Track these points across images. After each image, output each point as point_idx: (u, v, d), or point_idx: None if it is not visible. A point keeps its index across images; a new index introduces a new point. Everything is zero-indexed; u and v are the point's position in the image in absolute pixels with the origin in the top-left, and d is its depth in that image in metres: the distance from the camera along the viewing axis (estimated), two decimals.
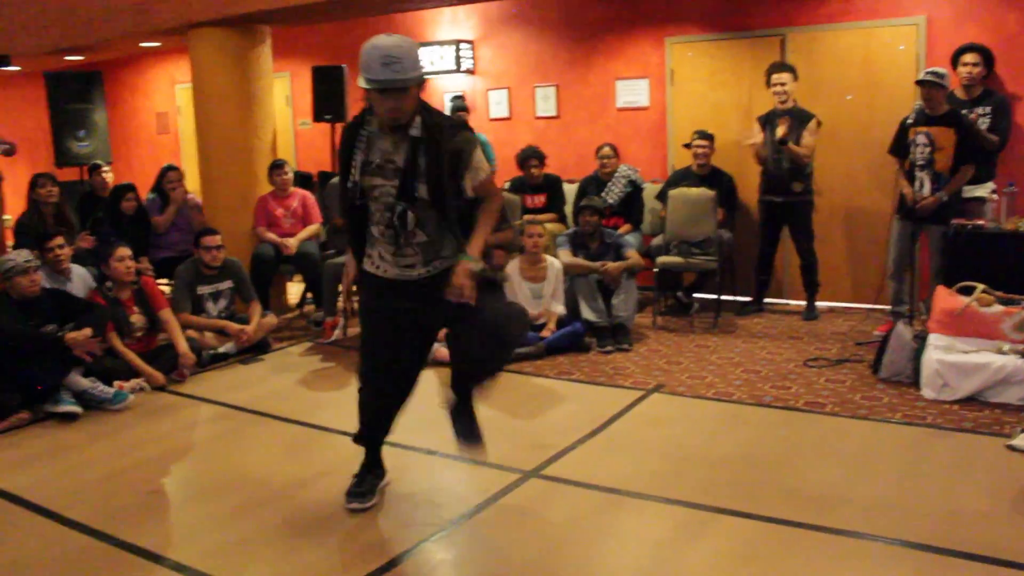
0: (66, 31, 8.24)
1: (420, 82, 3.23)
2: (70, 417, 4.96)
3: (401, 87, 3.15)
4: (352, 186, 3.37)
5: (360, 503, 3.71)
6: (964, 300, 5.08)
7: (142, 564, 3.31)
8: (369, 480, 3.81)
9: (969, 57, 6.07)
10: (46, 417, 4.99)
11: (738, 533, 3.40)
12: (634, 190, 7.26)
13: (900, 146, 5.99)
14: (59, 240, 5.72)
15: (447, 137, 3.28)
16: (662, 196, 7.08)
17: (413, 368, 3.67)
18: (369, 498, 3.74)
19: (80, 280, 5.84)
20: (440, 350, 5.78)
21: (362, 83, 3.18)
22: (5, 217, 8.25)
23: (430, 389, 5.40)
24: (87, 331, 5.11)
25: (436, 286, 3.34)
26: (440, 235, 3.40)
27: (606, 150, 7.28)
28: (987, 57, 6.11)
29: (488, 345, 3.43)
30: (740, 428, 4.58)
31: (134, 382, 5.42)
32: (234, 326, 6.15)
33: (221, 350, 6.14)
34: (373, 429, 3.80)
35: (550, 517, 3.58)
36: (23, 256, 5.19)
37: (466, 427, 3.65)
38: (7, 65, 8.84)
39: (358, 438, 3.83)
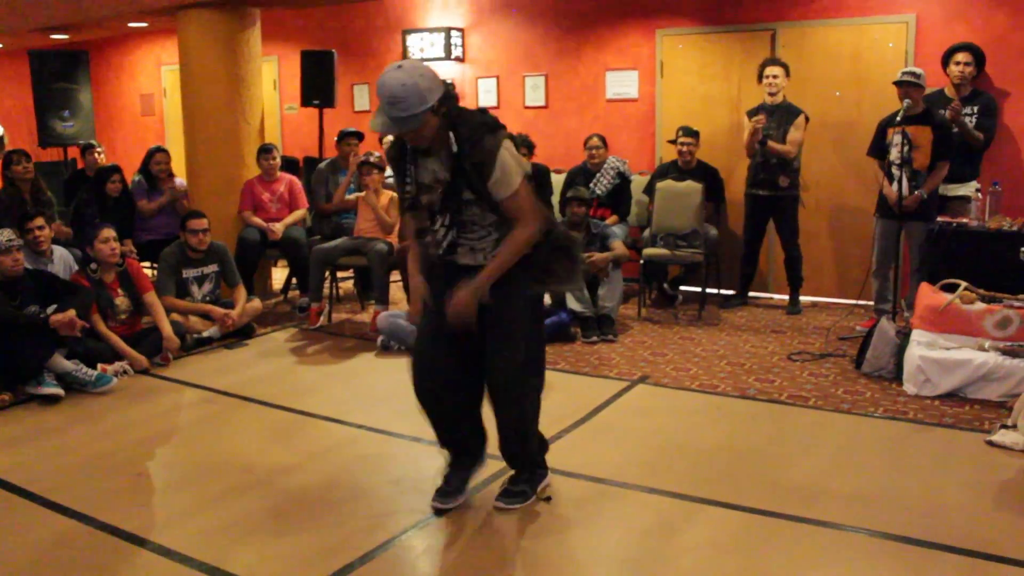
0: (53, 9, 8.17)
1: (430, 110, 3.11)
2: (52, 399, 4.93)
3: (411, 124, 3.11)
4: (411, 201, 3.34)
5: (442, 502, 3.56)
6: (947, 297, 5.12)
7: (126, 547, 3.30)
8: (456, 478, 3.63)
9: (961, 56, 6.11)
10: (28, 399, 4.96)
11: (722, 524, 3.42)
12: (622, 182, 7.27)
13: (878, 147, 6.05)
14: (39, 221, 5.68)
15: (475, 151, 3.17)
16: (649, 190, 7.10)
17: (461, 367, 3.45)
18: (454, 498, 3.58)
19: (61, 262, 5.81)
20: None
21: (375, 124, 3.18)
22: None
23: None
24: (71, 312, 5.07)
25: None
26: (498, 229, 3.30)
27: (595, 140, 7.28)
28: (978, 57, 6.15)
29: (498, 400, 3.43)
30: (724, 420, 4.61)
31: (117, 365, 5.40)
32: (219, 310, 6.12)
33: (205, 334, 6.11)
34: (439, 430, 3.62)
35: (535, 506, 3.59)
36: (5, 235, 5.13)
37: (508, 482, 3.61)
38: None
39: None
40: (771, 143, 6.53)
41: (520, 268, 3.31)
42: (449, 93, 3.18)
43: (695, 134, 7.06)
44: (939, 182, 5.90)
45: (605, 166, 7.26)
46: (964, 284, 5.18)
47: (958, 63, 6.11)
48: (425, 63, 3.23)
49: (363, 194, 6.81)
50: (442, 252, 3.35)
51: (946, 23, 6.56)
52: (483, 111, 3.37)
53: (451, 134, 3.19)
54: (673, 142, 7.13)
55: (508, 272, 3.29)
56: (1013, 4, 6.37)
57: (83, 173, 7.81)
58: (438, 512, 3.53)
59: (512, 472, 3.66)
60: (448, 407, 3.54)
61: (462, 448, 3.66)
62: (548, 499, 3.63)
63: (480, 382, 3.50)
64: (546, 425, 4.21)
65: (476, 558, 3.25)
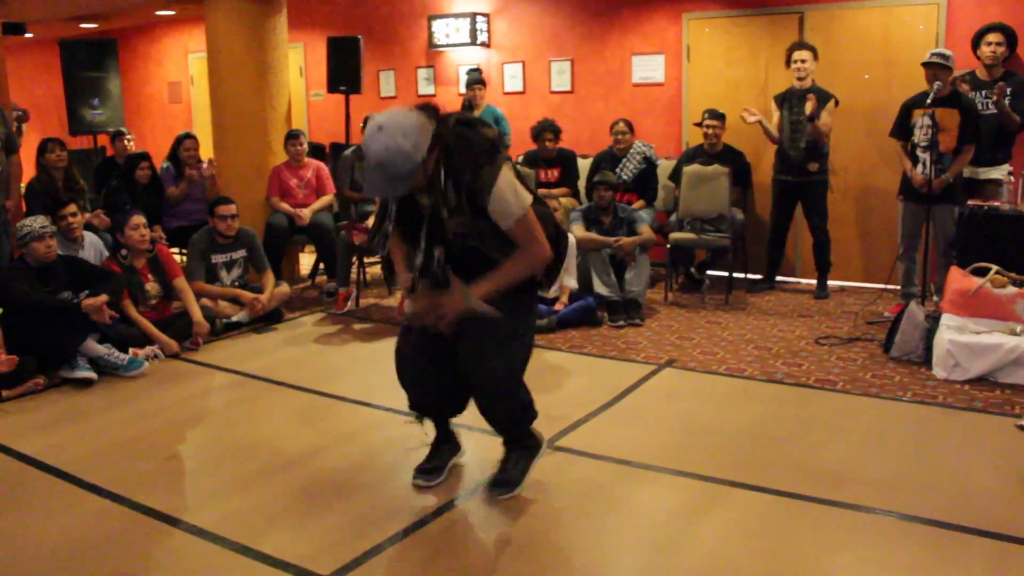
0: None
1: (419, 164, 2.95)
2: (85, 383, 5.00)
3: (405, 187, 3.00)
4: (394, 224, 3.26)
5: (425, 480, 3.63)
6: (978, 281, 5.08)
7: (160, 527, 3.35)
8: (438, 457, 3.71)
9: (993, 37, 6.03)
10: (62, 383, 5.04)
11: (750, 506, 3.42)
12: (648, 167, 7.25)
13: (902, 128, 6.00)
14: (72, 208, 5.75)
15: (467, 179, 3.05)
16: (675, 176, 7.07)
17: (446, 362, 3.41)
18: (435, 476, 3.65)
19: (92, 248, 5.88)
20: None
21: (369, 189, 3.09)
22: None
23: None
24: (103, 297, 5.14)
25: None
26: (483, 269, 3.17)
27: (621, 126, 7.26)
28: (1010, 37, 6.07)
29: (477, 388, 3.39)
30: (752, 403, 4.61)
31: (148, 349, 5.47)
32: (247, 294, 6.18)
33: (234, 319, 6.17)
34: (418, 405, 3.65)
35: (563, 488, 3.61)
36: (39, 222, 5.21)
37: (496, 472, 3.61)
38: (22, 32, 8.83)
39: (411, 409, 3.71)
40: (816, 122, 6.47)
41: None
42: (439, 131, 3.00)
43: (721, 117, 7.02)
44: (964, 165, 5.85)
45: (631, 151, 7.24)
46: (995, 268, 5.14)
47: (989, 44, 6.03)
48: (406, 111, 2.98)
49: None
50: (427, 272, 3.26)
51: (978, 4, 6.47)
52: (484, 124, 3.24)
53: (441, 169, 3.05)
54: (699, 124, 7.10)
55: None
56: None
57: (113, 160, 7.90)
58: (419, 488, 3.61)
59: (502, 456, 3.61)
60: (429, 383, 3.53)
61: (440, 423, 3.73)
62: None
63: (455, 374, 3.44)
64: (573, 408, 4.26)
65: (505, 538, 3.27)
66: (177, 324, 5.73)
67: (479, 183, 3.04)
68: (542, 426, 3.86)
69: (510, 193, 3.08)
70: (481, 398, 3.44)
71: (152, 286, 5.72)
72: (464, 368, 3.35)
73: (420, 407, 3.68)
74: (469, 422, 4.22)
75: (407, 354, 3.51)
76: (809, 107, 6.46)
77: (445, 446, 3.78)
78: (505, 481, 3.54)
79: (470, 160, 3.06)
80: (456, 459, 3.82)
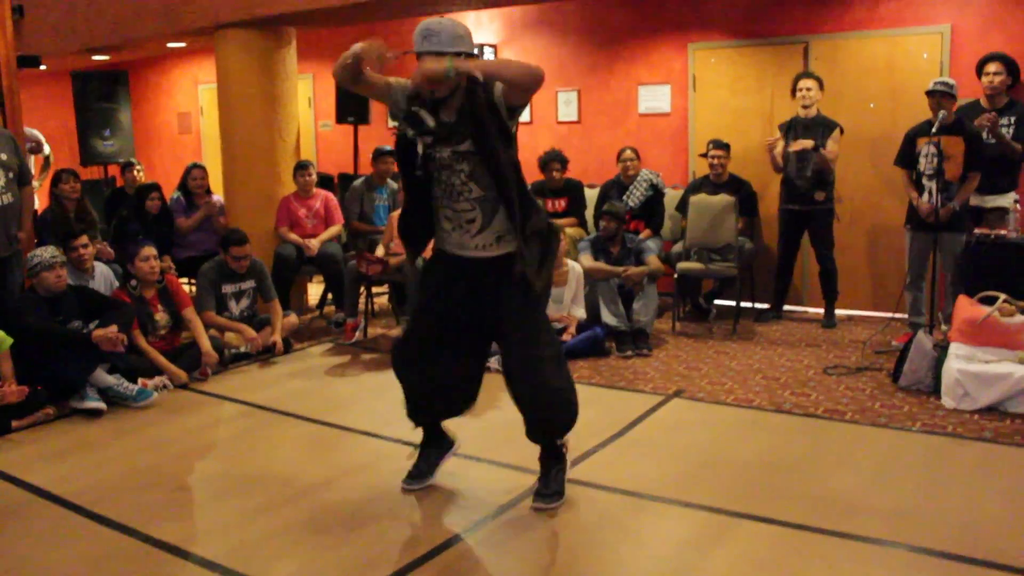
0: (95, 31, 8.33)
1: (458, 54, 3.31)
2: (95, 413, 5.02)
3: (433, 53, 3.30)
4: (423, 155, 3.46)
5: (409, 484, 3.85)
6: (986, 310, 5.07)
7: (170, 559, 3.35)
8: (425, 460, 3.90)
9: (992, 67, 6.07)
10: (71, 413, 5.05)
11: (759, 538, 3.41)
12: (655, 194, 7.28)
13: (907, 157, 6.02)
14: (83, 239, 5.80)
15: (486, 90, 3.32)
16: (682, 207, 7.10)
17: (458, 363, 3.68)
18: (422, 480, 3.86)
19: (102, 278, 5.92)
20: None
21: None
22: None
23: None
24: (113, 328, 5.17)
25: (495, 272, 3.48)
26: (498, 196, 3.41)
27: (628, 153, 7.30)
28: (1010, 66, 6.10)
29: (525, 385, 3.57)
30: (760, 434, 4.60)
31: (157, 380, 5.48)
32: (249, 332, 6.16)
33: (243, 349, 6.19)
34: (416, 411, 3.84)
35: (572, 519, 3.61)
36: (49, 252, 5.25)
37: (540, 485, 3.72)
38: (38, 65, 8.93)
39: (409, 415, 3.88)
40: (823, 150, 6.51)
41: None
42: (474, 55, 3.38)
43: (726, 147, 7.07)
44: (970, 193, 5.87)
45: (639, 178, 7.28)
46: (1003, 296, 5.13)
47: (988, 73, 6.08)
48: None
49: (398, 212, 6.87)
50: (440, 228, 3.54)
51: (982, 33, 6.52)
52: None
53: (463, 89, 3.33)
54: (705, 155, 7.14)
55: (519, 273, 3.41)
56: None
57: (123, 191, 7.96)
58: (407, 491, 3.83)
59: (541, 470, 3.74)
60: (433, 390, 3.73)
61: (431, 427, 3.90)
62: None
63: (462, 382, 3.73)
64: (582, 439, 4.25)
65: (514, 570, 3.26)
66: (186, 354, 5.75)
67: (495, 89, 3.31)
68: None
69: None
70: (542, 409, 3.62)
71: (161, 316, 5.75)
72: (516, 384, 3.58)
73: (417, 409, 3.84)
74: (474, 453, 4.24)
75: (409, 355, 3.71)
76: (798, 145, 6.51)
77: (432, 449, 3.93)
78: (553, 492, 3.68)
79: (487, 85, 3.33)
80: (450, 454, 3.96)
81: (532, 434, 3.71)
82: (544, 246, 3.50)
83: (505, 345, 3.62)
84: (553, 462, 3.73)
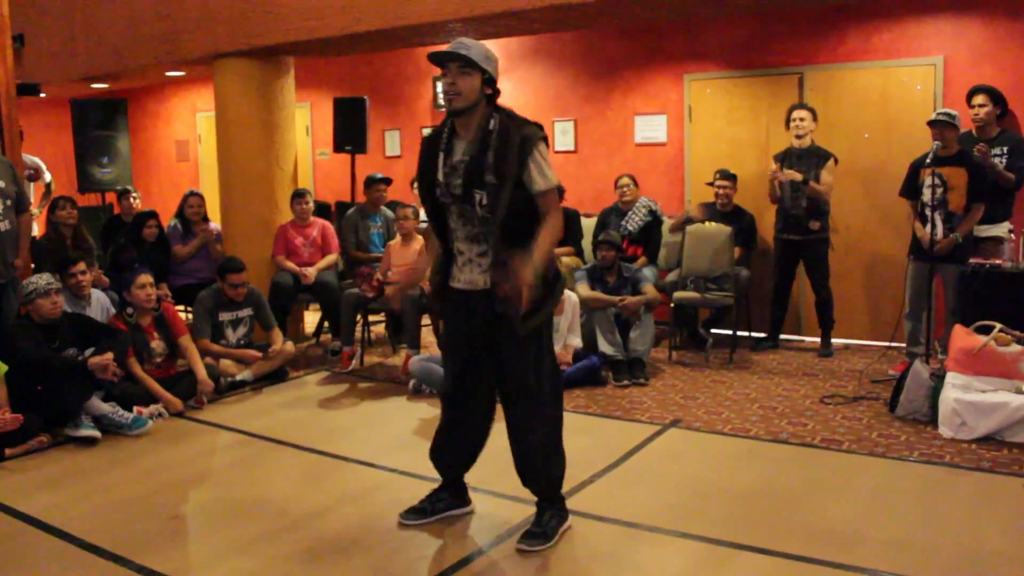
0: (94, 59, 8.39)
1: (483, 72, 3.36)
2: (89, 441, 4.99)
3: (462, 61, 3.32)
4: (439, 187, 3.49)
5: (407, 518, 3.83)
6: (982, 339, 5.08)
7: None
8: (434, 500, 3.89)
9: (978, 99, 6.14)
10: (65, 441, 5.03)
11: (757, 569, 3.39)
12: (654, 220, 7.30)
13: (911, 188, 6.05)
14: (81, 266, 5.80)
15: (516, 127, 3.39)
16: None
17: (476, 398, 3.71)
18: (420, 516, 3.83)
19: (99, 305, 5.92)
20: None
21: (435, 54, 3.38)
22: None
23: None
24: (109, 355, 5.16)
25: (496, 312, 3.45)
26: (508, 231, 3.39)
27: (625, 180, 7.33)
28: (996, 98, 6.16)
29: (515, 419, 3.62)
30: (757, 464, 4.58)
31: (153, 408, 5.46)
32: (249, 353, 6.18)
33: (239, 378, 6.18)
34: (437, 452, 3.87)
35: (569, 550, 3.59)
36: (44, 279, 5.25)
37: (532, 525, 3.71)
38: (37, 93, 8.97)
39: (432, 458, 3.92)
40: (812, 183, 6.55)
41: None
42: (496, 91, 3.43)
43: (733, 177, 7.12)
44: (973, 225, 5.88)
45: (637, 204, 7.30)
46: (999, 326, 5.14)
47: (974, 106, 6.14)
48: None
49: (397, 239, 6.90)
50: (454, 263, 3.56)
51: (974, 65, 6.58)
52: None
53: (494, 119, 3.39)
54: (711, 184, 7.18)
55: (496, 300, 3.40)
56: None
57: (119, 218, 7.97)
58: (403, 526, 3.80)
59: (535, 512, 3.72)
60: (456, 432, 3.78)
61: (448, 473, 3.89)
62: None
63: (479, 419, 3.76)
64: (578, 469, 4.23)
65: None
66: (182, 383, 5.73)
67: (528, 130, 3.39)
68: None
69: (546, 164, 3.41)
70: (510, 410, 3.63)
71: (157, 344, 5.74)
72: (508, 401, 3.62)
73: (441, 470, 3.89)
74: (470, 483, 4.22)
75: (446, 436, 3.81)
76: (790, 175, 6.55)
77: (445, 493, 3.90)
78: (540, 534, 3.62)
79: (515, 119, 3.43)
80: (455, 512, 3.90)
81: (521, 476, 3.74)
82: (547, 292, 3.48)
83: (501, 392, 3.66)
84: (547, 505, 3.71)
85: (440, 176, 3.47)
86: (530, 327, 3.44)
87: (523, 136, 3.36)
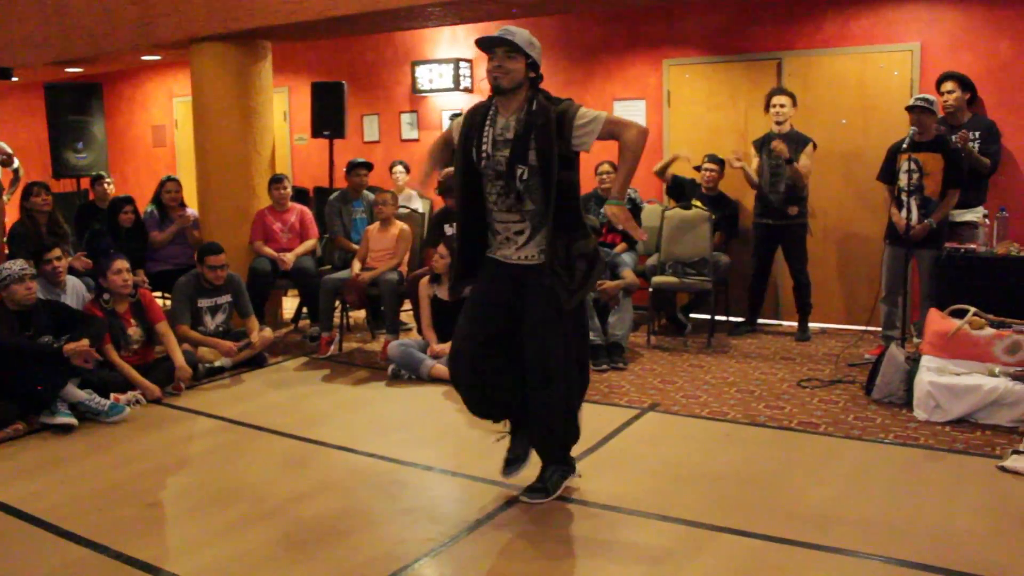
0: (68, 44, 8.28)
1: (527, 57, 3.59)
2: (66, 429, 4.96)
3: (508, 46, 3.55)
4: (485, 158, 3.64)
5: (511, 470, 3.91)
6: (956, 323, 5.13)
7: None
8: (520, 442, 3.95)
9: (947, 86, 6.22)
10: (42, 428, 4.99)
11: (734, 551, 3.42)
12: (633, 207, 7.30)
13: (888, 173, 6.08)
14: (56, 252, 5.75)
15: (553, 106, 3.60)
16: (675, 191, 7.25)
17: (504, 351, 3.77)
18: (521, 463, 3.92)
19: (74, 292, 5.86)
20: (437, 367, 5.82)
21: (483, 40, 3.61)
22: None
23: (427, 406, 5.44)
24: (85, 342, 5.12)
25: (534, 277, 3.64)
26: (546, 210, 3.58)
27: (605, 166, 7.31)
28: (965, 84, 6.22)
29: (537, 383, 3.71)
30: (735, 447, 4.62)
31: (130, 395, 5.43)
32: (224, 345, 6.13)
33: (217, 364, 6.15)
34: (477, 407, 3.91)
35: (547, 534, 3.60)
36: (18, 265, 5.19)
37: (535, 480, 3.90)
38: (9, 77, 8.85)
39: (472, 410, 3.98)
40: (795, 164, 6.56)
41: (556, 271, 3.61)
42: (539, 75, 3.67)
43: (720, 162, 7.17)
44: (949, 210, 5.93)
45: None
46: (973, 310, 5.19)
47: (943, 92, 6.20)
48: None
49: (375, 225, 6.88)
50: (493, 238, 3.74)
51: (950, 51, 6.62)
52: None
53: (536, 100, 3.60)
54: (698, 168, 7.21)
55: (547, 275, 3.59)
56: (1015, 33, 6.42)
57: (94, 204, 7.89)
58: (508, 476, 3.91)
59: (541, 468, 3.91)
60: (486, 381, 3.81)
61: (509, 416, 3.97)
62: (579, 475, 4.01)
63: (506, 371, 3.81)
64: (517, 474, 4.23)
65: None
66: (159, 369, 5.70)
67: (564, 105, 3.61)
68: (525, 471, 3.88)
69: (589, 114, 3.62)
70: (532, 371, 3.72)
71: (134, 331, 5.70)
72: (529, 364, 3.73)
73: (478, 410, 3.94)
74: (449, 467, 4.23)
75: (463, 361, 3.81)
76: (780, 148, 6.55)
77: (523, 430, 3.96)
78: (542, 488, 3.85)
79: (553, 102, 3.65)
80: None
81: (533, 442, 3.90)
82: (589, 268, 3.69)
83: (524, 347, 3.73)
84: (553, 461, 3.90)
85: (489, 148, 3.64)
86: (578, 301, 3.66)
87: (559, 112, 3.57)
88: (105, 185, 7.99)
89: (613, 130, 3.64)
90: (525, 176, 3.57)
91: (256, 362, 6.36)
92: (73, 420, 5.00)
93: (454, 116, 8.06)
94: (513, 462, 3.93)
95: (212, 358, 6.17)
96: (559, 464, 3.91)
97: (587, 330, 3.91)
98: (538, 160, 3.56)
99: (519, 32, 3.59)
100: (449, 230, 6.43)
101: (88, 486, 4.22)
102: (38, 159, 10.18)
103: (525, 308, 3.69)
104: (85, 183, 8.99)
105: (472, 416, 3.97)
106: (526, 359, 3.72)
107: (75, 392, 5.10)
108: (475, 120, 3.73)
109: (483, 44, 3.62)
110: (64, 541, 3.61)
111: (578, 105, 3.65)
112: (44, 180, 7.45)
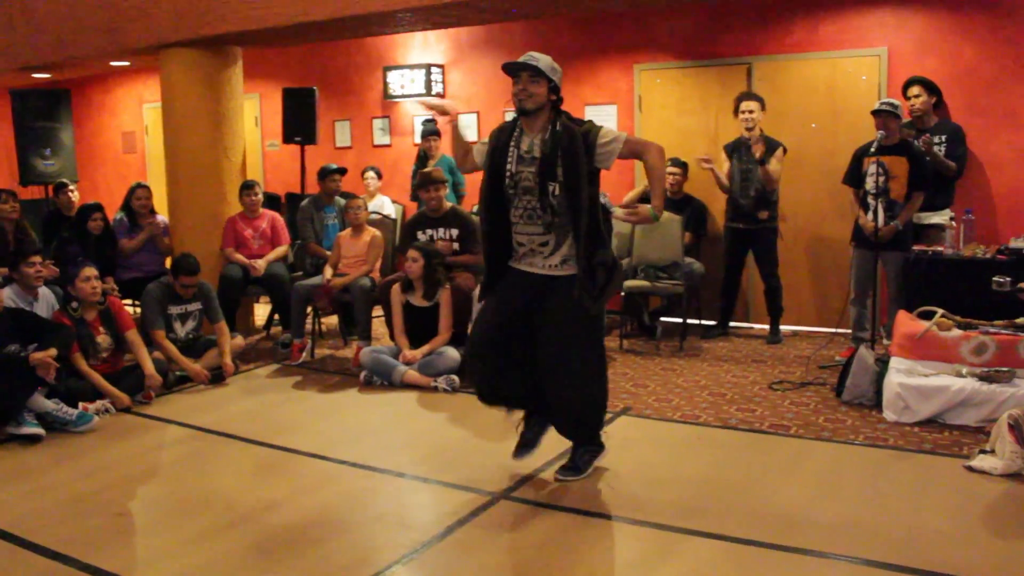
0: (35, 49, 8.20)
1: (550, 81, 3.85)
2: (33, 439, 4.88)
3: (532, 71, 3.81)
4: (508, 176, 3.88)
5: (521, 454, 4.16)
6: (924, 325, 5.19)
7: None
8: (531, 428, 4.18)
9: (913, 90, 6.32)
10: (8, 439, 4.92)
11: (706, 554, 3.43)
12: (603, 212, 7.31)
13: (854, 176, 6.15)
14: (38, 257, 5.69)
15: (577, 127, 3.83)
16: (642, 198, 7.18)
17: (520, 345, 3.97)
18: (531, 448, 4.16)
19: (45, 301, 5.79)
20: (409, 373, 5.81)
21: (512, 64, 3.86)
22: None
23: (399, 413, 5.42)
24: (52, 351, 5.05)
25: (557, 286, 3.88)
26: (570, 223, 3.83)
27: None
28: (930, 88, 6.30)
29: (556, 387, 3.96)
30: (707, 450, 4.64)
31: (99, 403, 5.36)
32: (200, 374, 6.00)
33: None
34: (490, 396, 4.13)
35: (520, 539, 3.60)
36: None
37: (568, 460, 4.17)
38: None
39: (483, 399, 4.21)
40: (766, 166, 6.60)
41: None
42: (560, 98, 3.90)
43: (683, 165, 7.18)
44: (914, 212, 6.00)
45: None
46: (941, 311, 5.25)
47: (909, 97, 6.29)
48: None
49: (347, 231, 6.85)
50: (513, 252, 3.98)
51: (916, 56, 6.70)
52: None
53: (559, 121, 3.84)
54: None
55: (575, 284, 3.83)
56: (980, 38, 6.51)
57: (60, 211, 7.80)
58: (516, 456, 4.16)
59: (572, 448, 4.19)
60: (500, 370, 4.03)
61: (521, 406, 4.19)
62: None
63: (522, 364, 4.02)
64: (531, 457, 4.24)
65: None
66: (129, 377, 5.64)
67: (587, 125, 3.86)
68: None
69: (610, 134, 3.86)
70: (551, 373, 3.95)
71: (103, 339, 5.63)
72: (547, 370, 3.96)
73: (488, 399, 4.16)
74: (421, 473, 4.22)
75: (480, 349, 4.03)
76: (758, 151, 6.59)
77: (535, 418, 4.19)
78: (572, 467, 4.13)
79: (576, 123, 3.90)
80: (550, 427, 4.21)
81: (559, 430, 4.14)
82: (608, 276, 3.89)
83: (543, 345, 3.92)
84: (583, 442, 4.15)
85: (514, 166, 3.87)
86: (602, 306, 3.91)
87: (583, 132, 3.81)
88: (69, 193, 7.88)
89: (635, 150, 3.90)
90: (557, 192, 3.80)
91: (215, 379, 6.17)
92: (40, 430, 4.93)
93: (426, 122, 8.13)
94: (524, 446, 4.15)
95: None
96: (589, 444, 4.16)
97: (603, 329, 4.11)
98: (565, 176, 3.78)
99: (542, 58, 3.85)
100: (422, 236, 6.42)
101: (56, 497, 4.16)
102: (5, 166, 10.08)
103: (546, 310, 3.90)
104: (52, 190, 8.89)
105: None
106: (547, 355, 3.91)
107: (42, 402, 5.03)
108: (501, 139, 3.97)
109: (509, 69, 3.86)
110: (30, 553, 3.56)
111: (599, 126, 3.86)
112: (11, 187, 7.37)
